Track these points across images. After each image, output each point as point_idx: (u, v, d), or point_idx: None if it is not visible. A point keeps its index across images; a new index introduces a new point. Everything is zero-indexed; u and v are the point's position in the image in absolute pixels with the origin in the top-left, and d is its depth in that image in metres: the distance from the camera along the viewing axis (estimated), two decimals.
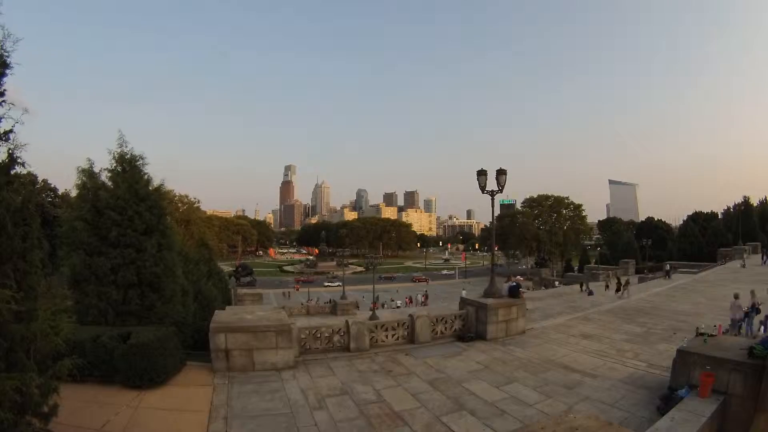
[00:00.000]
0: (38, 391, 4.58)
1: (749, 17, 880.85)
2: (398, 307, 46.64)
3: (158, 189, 12.01)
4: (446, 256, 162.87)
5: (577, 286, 34.31)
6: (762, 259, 39.57)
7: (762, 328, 13.16)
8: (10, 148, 4.61)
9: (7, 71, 4.68)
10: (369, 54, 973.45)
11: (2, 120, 4.63)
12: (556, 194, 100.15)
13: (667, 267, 38.94)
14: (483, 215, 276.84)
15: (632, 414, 7.71)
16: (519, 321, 14.18)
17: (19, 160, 4.69)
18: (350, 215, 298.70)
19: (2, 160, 4.61)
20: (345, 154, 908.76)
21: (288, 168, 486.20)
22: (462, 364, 10.80)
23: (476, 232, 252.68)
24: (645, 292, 26.74)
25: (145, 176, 11.75)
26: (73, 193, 12.22)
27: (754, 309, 14.30)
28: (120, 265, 10.66)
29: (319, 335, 11.81)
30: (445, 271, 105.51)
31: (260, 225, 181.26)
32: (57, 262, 11.58)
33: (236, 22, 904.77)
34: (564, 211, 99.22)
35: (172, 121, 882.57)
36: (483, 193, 14.35)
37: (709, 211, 76.73)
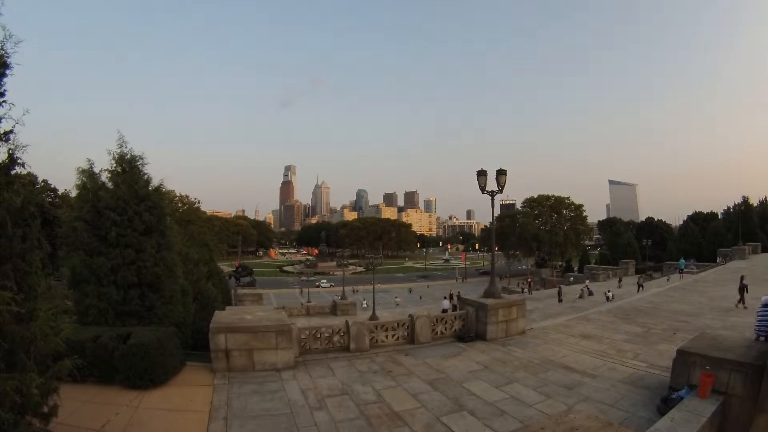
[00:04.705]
0: (38, 391, 4.57)
1: (754, 18, 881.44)
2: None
3: (158, 189, 12.01)
4: (446, 256, 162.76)
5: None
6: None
7: None
8: (10, 149, 4.61)
9: (7, 72, 4.68)
10: (368, 54, 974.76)
11: (2, 120, 4.63)
12: (556, 194, 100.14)
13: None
14: (483, 215, 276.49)
15: (632, 414, 7.70)
16: (519, 321, 14.18)
17: (19, 161, 4.69)
18: (350, 215, 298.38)
19: (2, 161, 4.61)
20: (345, 154, 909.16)
21: (288, 168, 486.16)
22: (462, 365, 10.80)
23: (476, 232, 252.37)
24: (645, 292, 26.75)
25: (145, 176, 11.76)
26: (73, 193, 12.24)
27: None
28: (120, 266, 10.67)
29: (319, 335, 11.81)
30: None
31: (260, 225, 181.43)
32: (57, 263, 11.59)
33: (234, 21, 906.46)
34: (564, 212, 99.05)
35: (172, 120, 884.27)
36: (483, 193, 14.35)
37: (709, 211, 76.96)
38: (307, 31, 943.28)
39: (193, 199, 68.65)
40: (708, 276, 33.29)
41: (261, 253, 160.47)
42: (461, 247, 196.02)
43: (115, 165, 11.46)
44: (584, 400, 8.39)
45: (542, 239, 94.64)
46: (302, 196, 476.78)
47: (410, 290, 71.53)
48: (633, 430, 6.51)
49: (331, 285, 75.93)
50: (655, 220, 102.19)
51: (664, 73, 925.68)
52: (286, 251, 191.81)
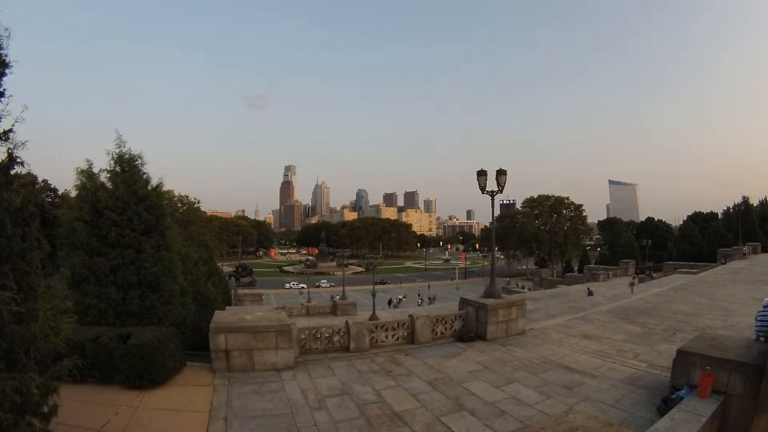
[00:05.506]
0: (38, 391, 4.56)
1: (754, 17, 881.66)
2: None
3: (157, 188, 11.99)
4: (446, 256, 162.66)
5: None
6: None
7: None
8: (9, 148, 4.60)
9: (7, 71, 4.67)
10: (368, 54, 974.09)
11: (1, 119, 4.62)
12: (556, 194, 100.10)
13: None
14: (483, 216, 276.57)
15: (632, 414, 7.70)
16: (519, 321, 14.17)
17: (18, 160, 4.67)
18: (350, 215, 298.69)
19: (2, 160, 4.60)
20: (345, 154, 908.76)
21: (288, 168, 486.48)
22: (462, 365, 10.79)
23: (476, 232, 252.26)
24: (645, 292, 26.73)
25: (144, 176, 11.75)
26: (73, 193, 12.24)
27: None
28: (119, 266, 10.67)
29: (318, 335, 11.81)
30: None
31: (260, 225, 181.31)
32: (57, 263, 11.58)
33: (234, 22, 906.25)
34: (564, 212, 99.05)
35: (172, 120, 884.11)
36: (483, 193, 14.33)
37: (709, 211, 76.82)
38: (306, 30, 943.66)
39: (192, 199, 68.61)
40: (708, 276, 33.26)
41: (261, 253, 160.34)
42: (461, 247, 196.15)
43: (114, 165, 11.46)
44: (584, 400, 8.39)
45: (542, 239, 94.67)
46: (302, 196, 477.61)
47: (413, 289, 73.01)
48: (633, 430, 6.50)
49: (331, 285, 76.06)
50: (655, 220, 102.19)
51: (664, 73, 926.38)
52: (286, 251, 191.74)
